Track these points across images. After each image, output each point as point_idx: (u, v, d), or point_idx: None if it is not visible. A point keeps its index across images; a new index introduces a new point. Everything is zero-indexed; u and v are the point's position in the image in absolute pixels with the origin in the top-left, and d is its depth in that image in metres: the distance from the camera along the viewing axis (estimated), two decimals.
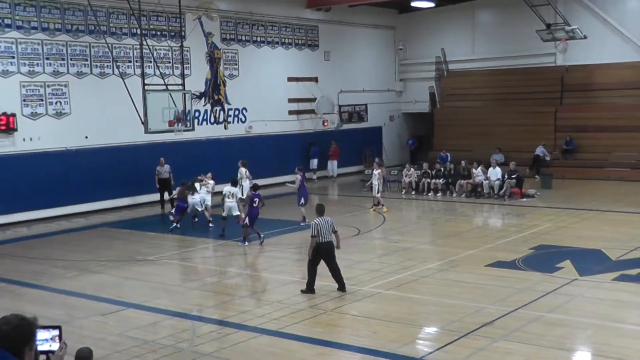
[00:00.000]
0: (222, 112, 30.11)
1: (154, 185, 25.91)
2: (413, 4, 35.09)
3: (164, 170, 25.59)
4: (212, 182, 22.44)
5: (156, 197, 26.17)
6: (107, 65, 25.71)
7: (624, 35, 33.12)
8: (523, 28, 33.85)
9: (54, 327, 4.91)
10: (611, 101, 33.18)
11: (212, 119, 29.73)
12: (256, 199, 18.96)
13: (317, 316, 12.33)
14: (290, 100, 33.11)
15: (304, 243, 18.56)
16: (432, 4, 35.48)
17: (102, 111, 25.35)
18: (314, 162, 33.35)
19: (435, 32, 38.17)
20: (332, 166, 34.16)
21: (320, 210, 14.02)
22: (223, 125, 30.15)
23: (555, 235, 18.99)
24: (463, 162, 27.94)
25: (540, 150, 31.86)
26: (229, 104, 30.35)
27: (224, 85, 30.17)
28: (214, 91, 29.78)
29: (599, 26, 33.42)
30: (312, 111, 33.83)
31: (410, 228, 21.93)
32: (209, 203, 21.94)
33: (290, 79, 33.12)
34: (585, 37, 31.41)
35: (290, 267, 16.88)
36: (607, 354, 10.29)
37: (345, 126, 35.66)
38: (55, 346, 4.78)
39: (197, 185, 21.83)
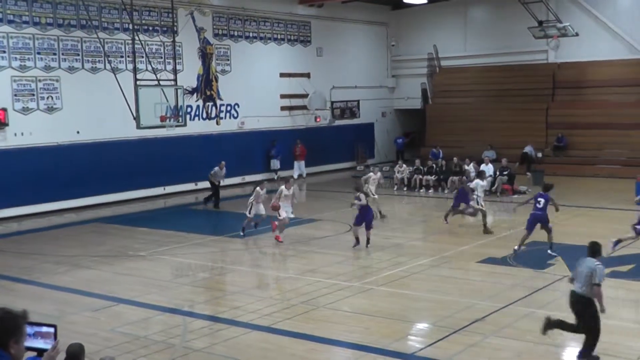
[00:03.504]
0: (214, 108, 30.06)
1: (147, 180, 26.13)
2: (406, 0, 35.06)
3: (222, 174, 25.19)
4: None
5: (148, 192, 26.45)
6: (99, 60, 25.62)
7: (615, 33, 33.21)
8: (515, 25, 33.92)
9: (49, 325, 4.89)
10: (602, 98, 33.31)
11: (204, 115, 29.68)
12: (541, 200, 16.40)
13: (309, 312, 12.33)
14: (283, 96, 33.08)
15: (296, 239, 18.63)
16: (424, 1, 35.44)
17: (94, 106, 25.25)
18: (276, 163, 31.76)
19: (428, 28, 38.21)
20: (300, 167, 32.71)
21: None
22: (215, 121, 30.10)
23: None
24: (455, 159, 27.98)
25: (528, 149, 31.96)
26: (221, 99, 30.31)
27: (216, 81, 30.12)
28: (206, 87, 29.73)
29: (591, 23, 33.52)
30: (304, 107, 33.82)
31: (401, 224, 21.95)
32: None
33: (282, 75, 33.09)
34: (577, 35, 31.50)
35: (282, 263, 16.92)
36: (598, 350, 10.29)
37: (338, 122, 35.67)
38: (45, 344, 4.76)
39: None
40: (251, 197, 19.27)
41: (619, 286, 13.78)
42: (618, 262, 15.50)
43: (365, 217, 17.35)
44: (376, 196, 21.61)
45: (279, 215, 18.22)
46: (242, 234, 19.17)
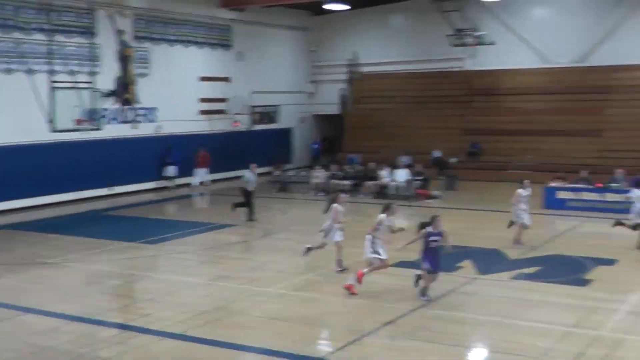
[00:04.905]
0: (131, 112, 29.64)
1: (60, 185, 25.71)
2: (326, 7, 35.35)
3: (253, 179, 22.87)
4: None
5: (61, 197, 25.93)
6: (14, 61, 24.86)
7: (529, 43, 34.24)
8: (434, 33, 34.58)
9: None
10: (515, 106, 34.23)
11: (122, 119, 29.24)
12: None
13: (222, 318, 12.33)
14: (202, 100, 32.84)
15: (211, 245, 18.59)
16: (345, 7, 35.81)
17: (8, 109, 24.43)
18: (172, 169, 30.27)
19: (349, 34, 38.56)
20: (202, 174, 31.26)
21: None
22: (133, 125, 29.68)
23: (456, 235, 19.18)
24: (372, 164, 28.37)
25: (437, 154, 32.68)
26: (139, 103, 29.89)
27: (135, 84, 29.71)
28: (124, 90, 29.28)
29: (505, 33, 34.41)
30: (223, 111, 33.69)
31: (317, 229, 22.06)
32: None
33: (202, 79, 32.88)
34: (492, 43, 32.40)
35: (195, 269, 16.75)
36: (505, 350, 10.68)
37: (257, 127, 35.67)
38: None
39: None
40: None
41: (525, 287, 14.27)
42: (524, 264, 16.05)
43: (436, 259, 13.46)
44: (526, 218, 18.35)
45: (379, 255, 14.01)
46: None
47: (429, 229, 13.34)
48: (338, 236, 15.61)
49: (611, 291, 13.80)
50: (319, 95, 39.94)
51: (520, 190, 18.38)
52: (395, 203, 15.79)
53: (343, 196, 16.12)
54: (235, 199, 23.00)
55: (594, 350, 10.51)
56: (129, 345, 11.06)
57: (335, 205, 15.63)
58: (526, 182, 18.75)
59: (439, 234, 13.43)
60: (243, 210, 22.30)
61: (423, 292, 13.32)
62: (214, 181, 31.85)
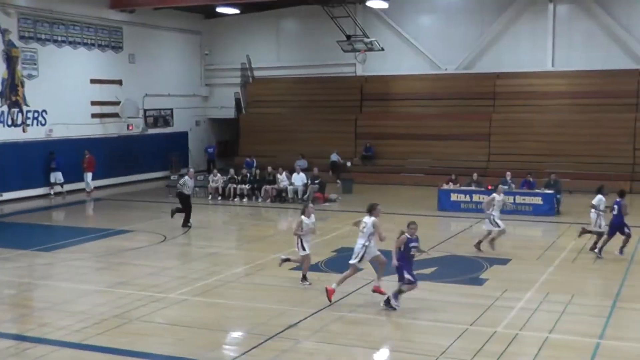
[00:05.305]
0: (20, 114, 28.61)
1: None
2: (218, 10, 35.25)
3: (192, 184, 22.23)
4: None
5: None
6: None
7: (417, 49, 35.21)
8: (325, 38, 35.03)
9: None
10: (406, 110, 35.16)
11: (10, 122, 28.17)
12: (615, 206, 16.67)
13: (122, 326, 12.10)
14: (94, 103, 32.08)
15: (107, 251, 18.18)
16: (236, 11, 35.78)
17: None
18: (58, 176, 29.33)
19: (241, 38, 38.54)
20: (87, 179, 30.54)
21: None
22: (21, 128, 28.65)
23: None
24: (269, 168, 28.49)
25: (335, 157, 33.19)
26: (27, 105, 28.90)
27: (22, 86, 28.72)
28: (11, 92, 28.29)
29: (395, 39, 35.33)
30: (116, 115, 32.99)
31: (216, 233, 22.05)
32: None
33: (93, 81, 32.08)
34: (382, 49, 33.11)
35: (92, 276, 16.38)
36: (406, 349, 10.97)
37: (151, 131, 35.13)
38: None
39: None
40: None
41: (423, 288, 14.61)
42: (422, 265, 16.45)
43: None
44: (502, 226, 17.92)
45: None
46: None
47: (406, 235, 12.90)
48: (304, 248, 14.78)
49: (505, 289, 14.39)
50: (213, 98, 39.73)
51: (494, 195, 18.20)
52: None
53: (311, 207, 15.21)
54: (128, 204, 22.60)
55: (491, 347, 10.95)
56: (25, 357, 10.73)
57: (301, 217, 14.86)
58: (500, 187, 18.80)
59: (417, 239, 12.99)
60: (181, 216, 21.79)
61: (396, 296, 12.98)
62: (108, 186, 31.20)
